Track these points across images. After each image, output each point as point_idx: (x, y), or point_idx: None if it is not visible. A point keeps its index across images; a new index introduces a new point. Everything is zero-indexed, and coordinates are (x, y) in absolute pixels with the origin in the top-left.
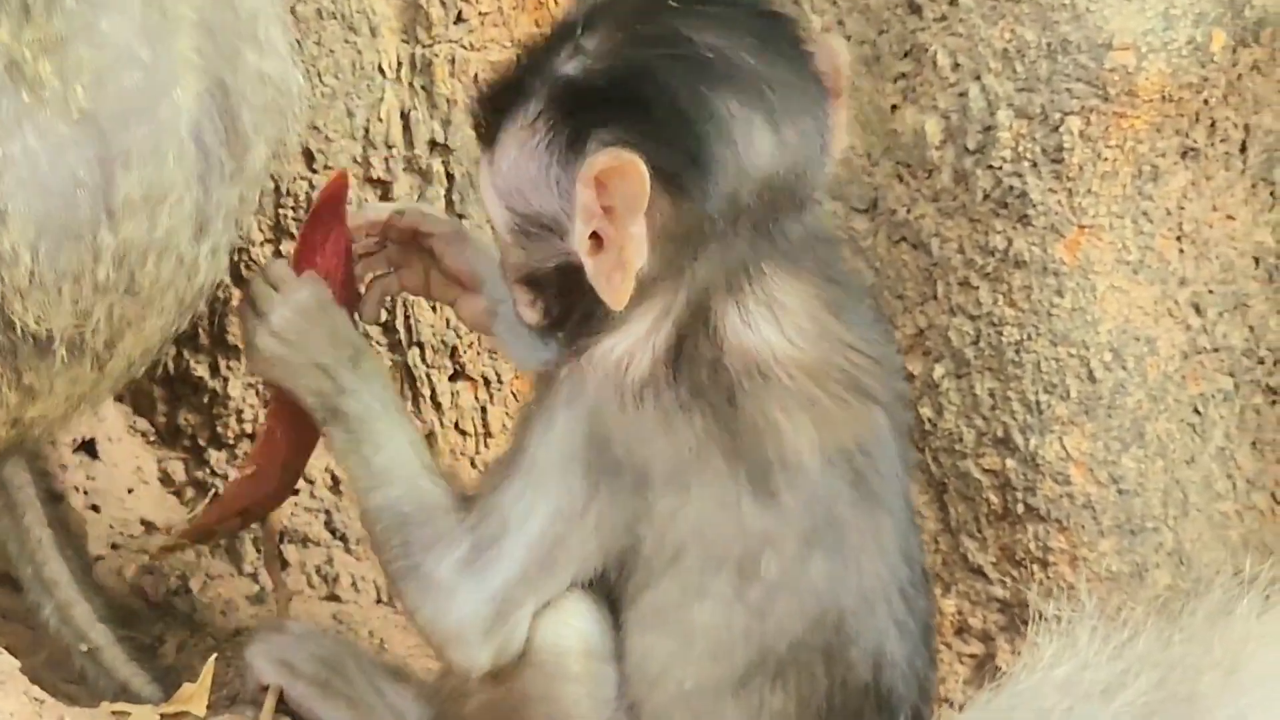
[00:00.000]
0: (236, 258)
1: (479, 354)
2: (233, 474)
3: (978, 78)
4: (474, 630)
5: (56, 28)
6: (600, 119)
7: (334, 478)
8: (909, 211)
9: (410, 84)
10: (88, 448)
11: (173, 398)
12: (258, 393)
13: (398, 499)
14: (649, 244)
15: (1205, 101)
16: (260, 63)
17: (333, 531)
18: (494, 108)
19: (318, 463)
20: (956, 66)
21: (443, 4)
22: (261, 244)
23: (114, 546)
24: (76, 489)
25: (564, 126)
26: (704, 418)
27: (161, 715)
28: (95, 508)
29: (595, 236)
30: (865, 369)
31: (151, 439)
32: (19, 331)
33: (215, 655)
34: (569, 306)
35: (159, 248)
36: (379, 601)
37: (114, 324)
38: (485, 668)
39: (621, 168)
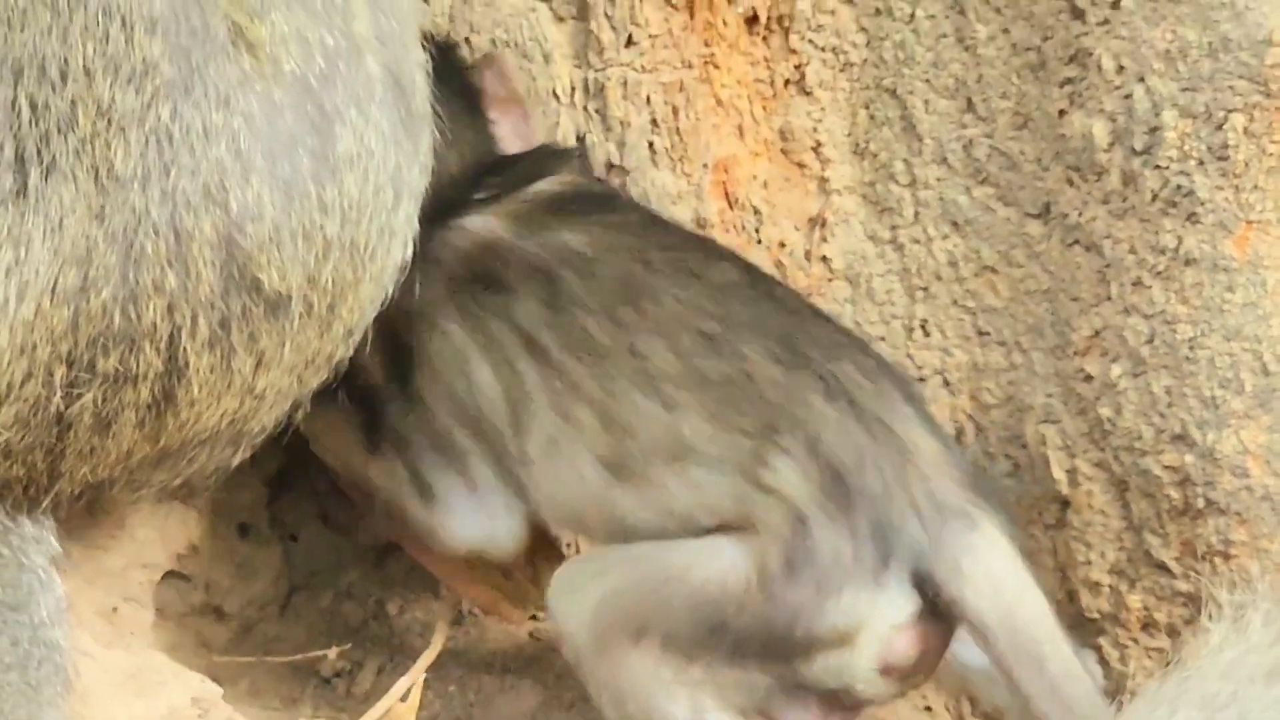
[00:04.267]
0: None
1: None
2: None
3: (1142, 79)
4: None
5: None
6: None
7: None
8: (1080, 215)
9: (584, 108)
10: (281, 479)
11: None
12: None
13: None
14: None
15: None
16: (420, 57)
17: None
18: None
19: None
20: (1121, 69)
21: (613, 28)
22: None
23: (312, 574)
24: (273, 520)
25: None
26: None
27: None
28: (293, 537)
29: None
30: None
31: None
32: (260, 291)
33: (425, 676)
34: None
35: (370, 208)
36: None
37: (336, 285)
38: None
39: None
